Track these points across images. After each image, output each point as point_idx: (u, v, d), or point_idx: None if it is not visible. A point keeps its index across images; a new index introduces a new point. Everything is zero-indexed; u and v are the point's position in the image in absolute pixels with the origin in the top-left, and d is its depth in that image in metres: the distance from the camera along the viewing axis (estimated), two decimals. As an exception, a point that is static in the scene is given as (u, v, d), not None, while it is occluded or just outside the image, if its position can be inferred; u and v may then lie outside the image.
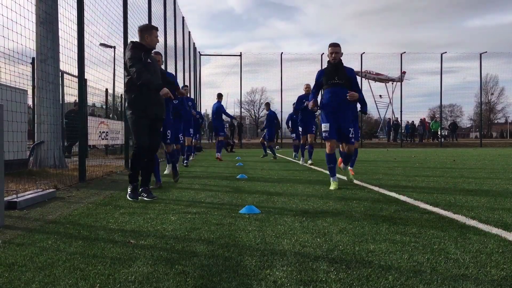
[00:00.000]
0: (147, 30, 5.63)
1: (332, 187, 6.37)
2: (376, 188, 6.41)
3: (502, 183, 7.04)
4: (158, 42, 5.80)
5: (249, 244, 3.16)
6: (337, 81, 6.37)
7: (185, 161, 11.37)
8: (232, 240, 3.28)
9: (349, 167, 7.67)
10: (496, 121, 70.40)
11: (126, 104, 5.65)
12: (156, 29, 5.77)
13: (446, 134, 40.82)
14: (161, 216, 4.25)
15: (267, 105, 17.06)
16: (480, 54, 33.01)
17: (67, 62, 7.64)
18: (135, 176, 5.52)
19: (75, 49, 7.43)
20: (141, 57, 5.43)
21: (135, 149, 5.55)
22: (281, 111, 29.70)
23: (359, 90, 6.55)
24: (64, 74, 9.72)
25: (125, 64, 5.49)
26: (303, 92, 11.79)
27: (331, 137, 6.46)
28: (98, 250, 2.99)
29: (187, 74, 24.30)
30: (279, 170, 10.22)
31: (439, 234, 3.45)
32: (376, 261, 2.73)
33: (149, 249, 3.01)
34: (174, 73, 15.60)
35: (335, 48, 6.44)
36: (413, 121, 36.77)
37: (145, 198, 5.39)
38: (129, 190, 5.50)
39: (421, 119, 37.50)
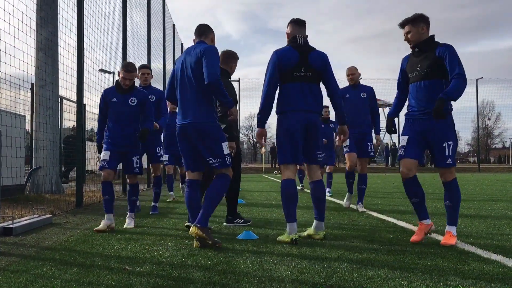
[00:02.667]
0: (235, 59, 5.26)
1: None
2: (374, 214, 6.38)
3: (500, 209, 7.01)
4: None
5: (247, 270, 3.13)
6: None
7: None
8: (230, 266, 3.25)
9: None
10: (493, 146, 70.67)
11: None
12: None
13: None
14: (158, 242, 4.21)
15: None
16: (476, 80, 33.36)
17: (66, 87, 7.69)
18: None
19: (75, 74, 7.49)
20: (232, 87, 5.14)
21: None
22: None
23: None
24: (63, 100, 9.78)
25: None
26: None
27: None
28: (93, 277, 2.95)
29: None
30: (277, 195, 10.18)
31: (438, 260, 3.42)
32: (375, 288, 2.70)
33: (146, 276, 2.98)
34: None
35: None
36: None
37: (240, 224, 5.30)
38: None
39: None
